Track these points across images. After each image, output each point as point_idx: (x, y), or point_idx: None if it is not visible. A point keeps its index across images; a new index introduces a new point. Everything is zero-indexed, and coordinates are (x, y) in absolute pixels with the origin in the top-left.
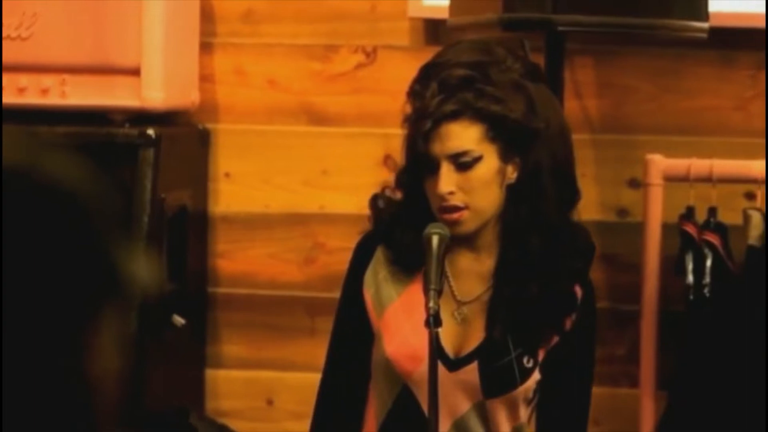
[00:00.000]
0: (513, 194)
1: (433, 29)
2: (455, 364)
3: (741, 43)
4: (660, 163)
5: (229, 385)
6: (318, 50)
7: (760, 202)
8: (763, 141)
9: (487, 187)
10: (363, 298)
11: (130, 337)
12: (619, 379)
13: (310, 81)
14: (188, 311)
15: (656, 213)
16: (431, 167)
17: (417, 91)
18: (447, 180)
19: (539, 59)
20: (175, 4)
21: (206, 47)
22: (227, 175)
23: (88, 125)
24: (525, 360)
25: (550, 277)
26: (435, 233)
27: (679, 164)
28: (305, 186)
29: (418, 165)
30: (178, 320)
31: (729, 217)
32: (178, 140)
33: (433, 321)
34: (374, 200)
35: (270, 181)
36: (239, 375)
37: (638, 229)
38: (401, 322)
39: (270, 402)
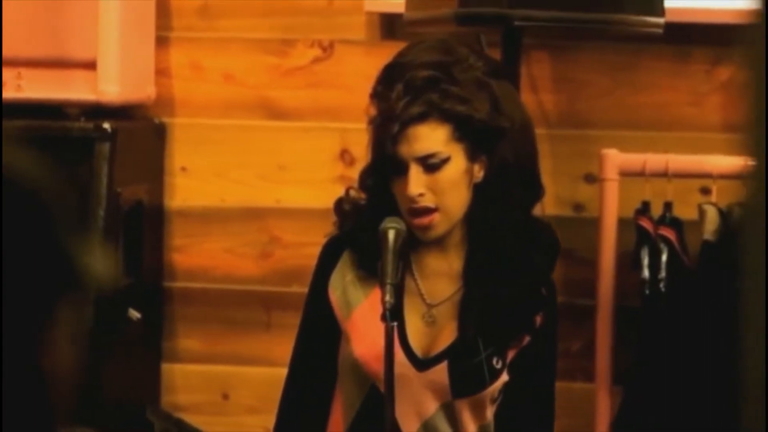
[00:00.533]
0: (480, 193)
1: (389, 24)
2: (424, 364)
3: (696, 39)
4: (615, 158)
5: (185, 379)
6: (274, 44)
7: (715, 197)
8: (719, 136)
9: (456, 187)
10: (329, 300)
11: (85, 331)
12: (574, 374)
13: (266, 75)
14: (144, 305)
15: (612, 208)
16: (399, 169)
17: (381, 92)
18: (416, 182)
19: (496, 54)
20: None
21: (162, 41)
22: (183, 169)
23: (44, 119)
24: (494, 361)
25: (519, 277)
26: (391, 227)
27: (634, 159)
28: (262, 180)
29: (386, 167)
30: (134, 314)
31: (684, 212)
32: (134, 134)
33: (390, 316)
34: (339, 203)
35: (226, 176)
36: (195, 369)
37: (594, 224)
38: (369, 324)
39: (226, 396)
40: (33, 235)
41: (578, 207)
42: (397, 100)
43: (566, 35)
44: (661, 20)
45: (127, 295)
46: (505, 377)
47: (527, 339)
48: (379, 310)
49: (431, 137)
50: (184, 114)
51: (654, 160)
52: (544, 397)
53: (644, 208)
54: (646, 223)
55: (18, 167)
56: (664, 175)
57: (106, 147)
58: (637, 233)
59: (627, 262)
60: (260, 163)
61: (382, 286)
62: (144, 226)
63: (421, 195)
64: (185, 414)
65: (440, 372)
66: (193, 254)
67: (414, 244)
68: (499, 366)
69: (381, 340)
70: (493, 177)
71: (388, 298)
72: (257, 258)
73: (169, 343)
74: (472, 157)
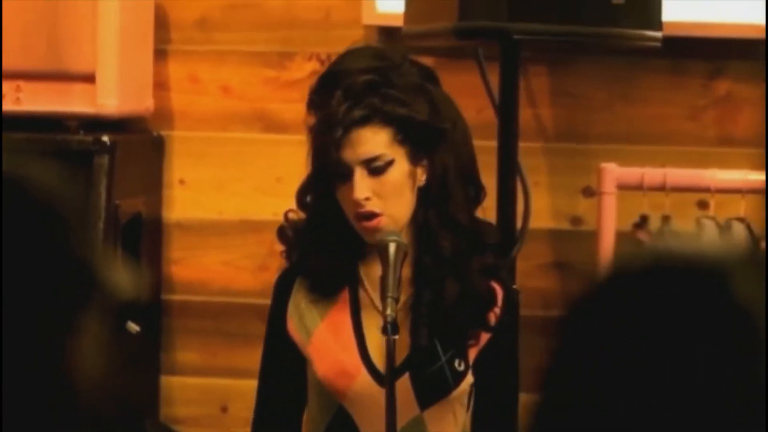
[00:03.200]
0: (422, 196)
1: (387, 36)
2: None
3: (693, 53)
4: (613, 172)
5: (183, 392)
6: (272, 57)
7: (713, 210)
8: (716, 150)
9: (401, 191)
10: (287, 330)
11: (109, 343)
12: None
13: (264, 88)
14: (142, 318)
15: (610, 221)
16: (343, 175)
17: (319, 100)
18: (361, 186)
19: (494, 68)
20: (130, 11)
21: (160, 54)
22: (182, 182)
23: (43, 132)
24: (456, 363)
25: (464, 275)
26: (392, 240)
27: (632, 173)
28: (259, 193)
29: (329, 174)
30: (133, 327)
31: (682, 225)
32: (133, 147)
33: (391, 328)
34: (282, 232)
35: (224, 188)
36: (194, 382)
37: (592, 238)
38: (329, 344)
39: (224, 409)
40: (58, 245)
41: (576, 220)
42: (338, 105)
43: (564, 49)
44: (658, 34)
45: (125, 308)
46: (470, 379)
47: (485, 338)
48: (337, 328)
49: (374, 140)
50: (182, 127)
51: (652, 174)
52: (509, 392)
53: (642, 222)
54: (644, 237)
55: (41, 181)
56: (662, 188)
57: (104, 159)
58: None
59: None
60: (258, 176)
61: (383, 299)
62: (142, 239)
63: (367, 199)
64: (184, 427)
65: (403, 384)
66: (191, 267)
67: (362, 255)
68: (461, 368)
69: (342, 356)
70: (435, 180)
71: (389, 311)
72: (255, 271)
73: (167, 356)
74: (414, 160)
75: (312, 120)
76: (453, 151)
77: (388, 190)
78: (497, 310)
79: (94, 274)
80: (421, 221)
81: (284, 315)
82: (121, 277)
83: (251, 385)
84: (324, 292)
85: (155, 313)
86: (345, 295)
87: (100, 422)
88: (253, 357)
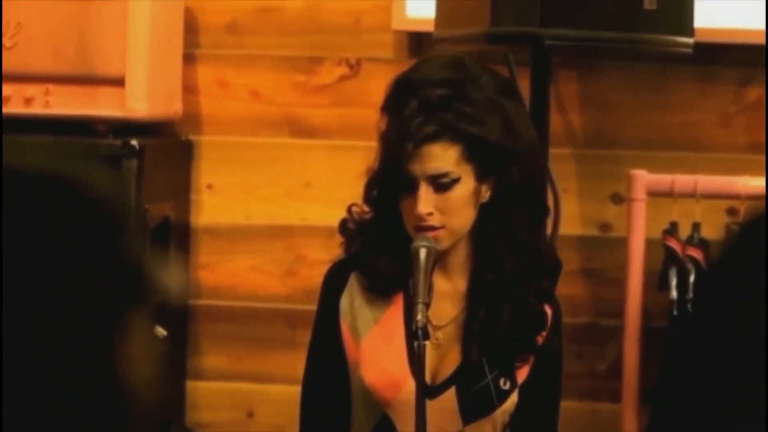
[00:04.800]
0: (486, 213)
1: (417, 42)
2: (433, 391)
3: (724, 59)
4: (643, 178)
5: (209, 397)
6: (302, 62)
7: (742, 217)
8: (746, 157)
9: (464, 208)
10: (339, 328)
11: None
12: (600, 394)
13: (293, 93)
14: (170, 323)
15: (639, 228)
16: (409, 187)
17: (394, 107)
18: (426, 201)
19: (524, 73)
20: (160, 15)
21: (190, 58)
22: (210, 186)
23: (72, 135)
24: (501, 382)
25: (521, 297)
26: (423, 246)
27: (662, 179)
28: (288, 198)
29: (396, 184)
30: (160, 332)
31: (712, 232)
32: (162, 151)
33: (422, 334)
34: (343, 224)
35: (252, 193)
36: (220, 387)
37: (621, 244)
38: (380, 350)
39: (250, 414)
40: (108, 246)
41: (605, 227)
42: (412, 117)
43: (596, 54)
44: (690, 40)
45: (173, 310)
46: (515, 399)
47: (531, 359)
48: (390, 334)
49: (443, 156)
50: (211, 131)
51: (682, 181)
52: (549, 415)
53: (672, 229)
54: (674, 244)
55: (93, 181)
56: (692, 195)
57: (133, 163)
58: (665, 253)
59: (653, 283)
60: (286, 181)
61: (414, 305)
62: (170, 244)
63: (429, 214)
64: None
65: (449, 398)
66: (218, 272)
67: (437, 257)
68: (507, 387)
69: (391, 366)
70: (500, 198)
71: (419, 317)
72: (283, 276)
73: (194, 361)
74: (480, 178)
75: (384, 124)
76: (521, 169)
77: (451, 207)
78: (544, 333)
79: (145, 275)
80: (482, 237)
81: (337, 310)
82: (170, 279)
83: (277, 390)
84: (380, 292)
85: (182, 318)
86: (400, 300)
87: (146, 424)
88: (279, 362)
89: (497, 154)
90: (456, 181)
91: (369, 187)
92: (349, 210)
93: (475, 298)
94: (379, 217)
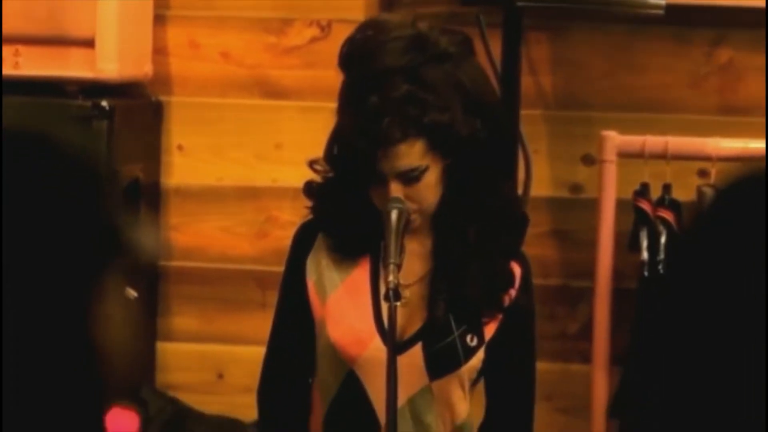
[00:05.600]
0: (447, 174)
1: (388, 3)
2: (400, 348)
3: (695, 20)
4: (615, 140)
5: (180, 358)
6: (272, 23)
7: (713, 179)
8: (718, 119)
9: (434, 189)
10: (306, 286)
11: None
12: (571, 355)
13: (264, 54)
14: (140, 284)
15: (610, 189)
16: (377, 181)
17: (354, 98)
18: (396, 193)
19: (496, 35)
20: None
21: (160, 19)
22: (180, 147)
23: (42, 96)
24: (468, 338)
25: (487, 255)
26: (395, 208)
27: (633, 141)
28: (258, 159)
29: (364, 179)
30: (131, 293)
31: (683, 194)
32: (132, 112)
33: (393, 295)
34: (308, 186)
35: (223, 155)
36: (190, 348)
37: (592, 206)
38: (345, 308)
39: (221, 375)
40: (86, 205)
41: (576, 188)
42: (377, 117)
43: (567, 16)
44: (662, 2)
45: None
46: (481, 355)
47: (499, 316)
48: (355, 293)
49: (410, 153)
50: (181, 92)
51: (653, 142)
52: (525, 372)
53: (643, 190)
54: (645, 205)
55: (74, 142)
56: (663, 157)
57: (103, 125)
58: (636, 215)
59: (625, 244)
60: (257, 142)
61: (385, 266)
62: (141, 205)
63: None
64: (180, 393)
65: (415, 354)
66: (189, 233)
67: (408, 218)
68: (474, 343)
69: (357, 324)
70: (464, 162)
71: (391, 278)
72: (253, 237)
73: (164, 322)
74: (446, 158)
75: (342, 84)
76: (483, 134)
77: (422, 195)
78: (513, 291)
79: (120, 236)
80: (448, 199)
81: (303, 269)
82: (145, 239)
83: (248, 351)
84: (346, 254)
85: (153, 279)
86: (366, 262)
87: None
88: (249, 324)
89: (460, 135)
90: (424, 171)
91: (330, 145)
92: (311, 167)
93: (441, 256)
94: (341, 180)
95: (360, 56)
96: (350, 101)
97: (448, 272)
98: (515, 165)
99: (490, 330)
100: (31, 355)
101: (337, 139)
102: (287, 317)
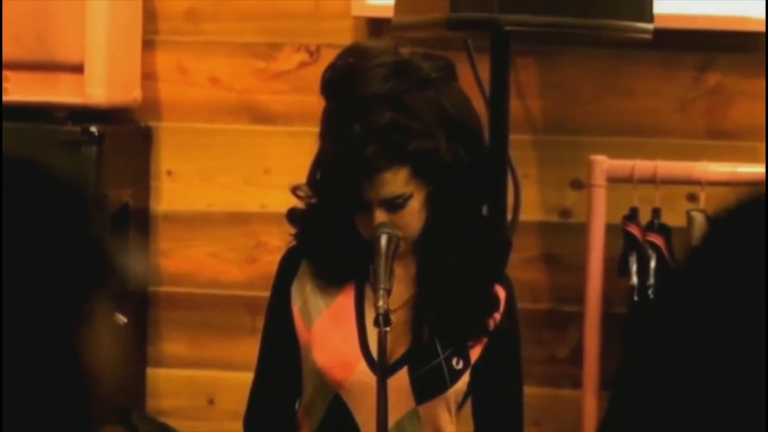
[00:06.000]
0: (431, 199)
1: (376, 28)
2: (386, 372)
3: (683, 45)
4: (603, 164)
5: (170, 384)
6: (261, 48)
7: (703, 203)
8: (706, 143)
9: (418, 216)
10: (291, 312)
11: (123, 330)
12: (561, 380)
13: (252, 79)
14: (129, 309)
15: (599, 214)
16: (362, 207)
17: (337, 126)
18: (381, 219)
19: (484, 60)
20: (119, 1)
21: (149, 45)
22: (169, 173)
23: (31, 122)
24: (454, 362)
25: (470, 278)
26: (384, 233)
27: (622, 165)
28: (247, 185)
29: (348, 206)
30: (120, 318)
31: (672, 218)
32: (121, 138)
33: (383, 320)
34: (291, 213)
35: (212, 180)
36: (180, 374)
37: (581, 230)
38: (330, 333)
39: (211, 401)
40: (75, 232)
41: (565, 213)
42: (360, 145)
43: (555, 40)
44: (650, 26)
45: (137, 296)
46: (466, 378)
47: (485, 339)
48: (340, 318)
49: (394, 181)
50: (170, 118)
51: (642, 167)
52: (512, 395)
53: (632, 215)
54: (634, 230)
55: (62, 169)
56: (652, 181)
57: (92, 150)
58: (625, 239)
59: (614, 268)
60: (246, 167)
61: (375, 291)
62: (130, 230)
63: None
64: (170, 419)
65: (401, 378)
66: (178, 258)
67: (398, 243)
68: (460, 366)
69: (343, 347)
70: (446, 187)
71: (381, 303)
72: (243, 263)
73: (154, 348)
74: (429, 184)
75: (326, 120)
76: (465, 157)
77: (406, 221)
78: (497, 315)
79: (109, 261)
80: (431, 223)
81: (288, 295)
82: (134, 265)
83: (238, 377)
84: (330, 280)
85: (142, 305)
86: (351, 287)
87: (107, 410)
88: (239, 349)
89: (444, 161)
90: (409, 198)
91: (313, 170)
92: (294, 193)
93: (425, 280)
94: (325, 209)
95: (342, 83)
96: (333, 128)
97: (432, 296)
98: (504, 189)
99: (475, 353)
100: (20, 380)
101: (319, 165)
102: (273, 343)
